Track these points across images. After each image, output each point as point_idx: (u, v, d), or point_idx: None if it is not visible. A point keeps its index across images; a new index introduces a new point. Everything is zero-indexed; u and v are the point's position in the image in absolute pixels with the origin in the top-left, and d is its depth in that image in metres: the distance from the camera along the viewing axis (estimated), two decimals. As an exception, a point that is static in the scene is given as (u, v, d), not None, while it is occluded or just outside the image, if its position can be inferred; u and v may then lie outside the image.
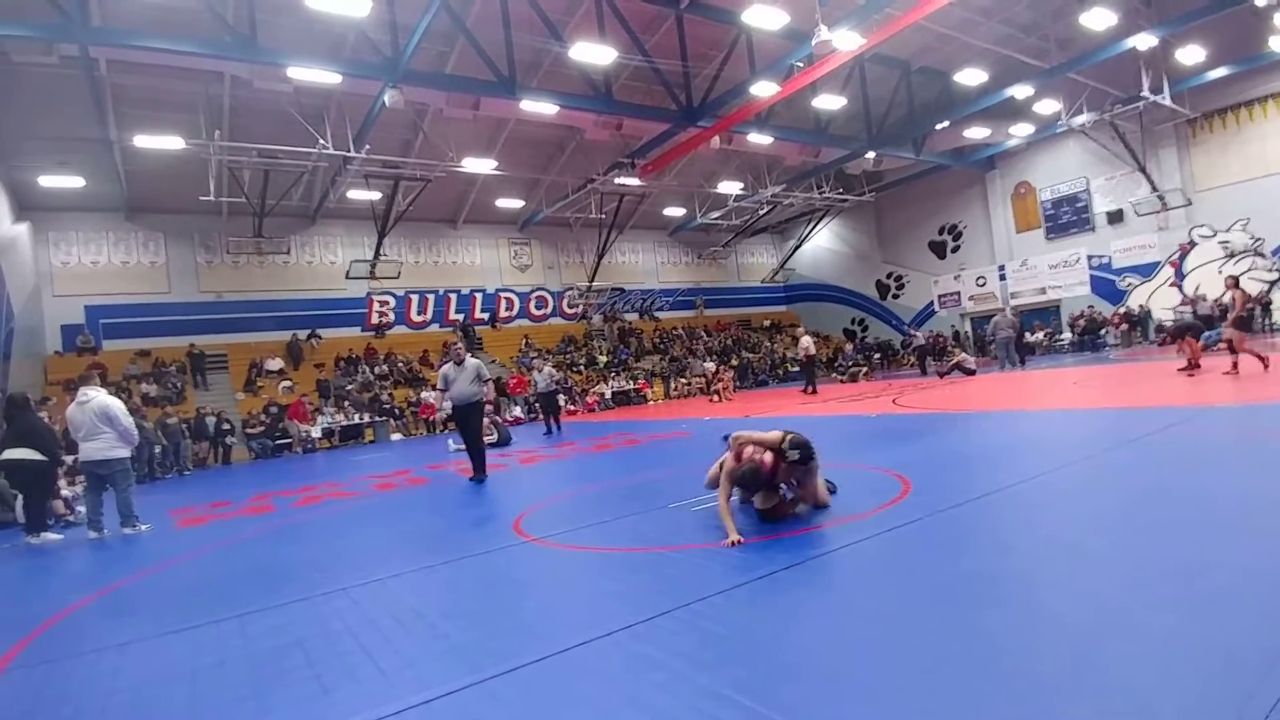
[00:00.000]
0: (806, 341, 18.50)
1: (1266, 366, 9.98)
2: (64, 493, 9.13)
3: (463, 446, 8.69)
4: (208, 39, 12.92)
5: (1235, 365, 10.31)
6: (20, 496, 8.36)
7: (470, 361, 8.34)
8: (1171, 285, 21.99)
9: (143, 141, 15.89)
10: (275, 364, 21.22)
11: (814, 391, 17.59)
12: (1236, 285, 11.06)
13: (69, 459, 9.46)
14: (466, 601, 3.69)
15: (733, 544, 3.98)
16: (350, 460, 14.23)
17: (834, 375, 24.13)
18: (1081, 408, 9.22)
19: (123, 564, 5.94)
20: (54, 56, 13.67)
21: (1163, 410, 7.60)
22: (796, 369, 24.85)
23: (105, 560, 6.26)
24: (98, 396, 7.31)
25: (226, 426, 17.32)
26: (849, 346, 27.18)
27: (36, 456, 7.45)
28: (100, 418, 7.15)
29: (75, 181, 17.75)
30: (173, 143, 15.87)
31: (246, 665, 3.10)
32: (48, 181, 17.68)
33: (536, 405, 18.68)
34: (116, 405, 7.35)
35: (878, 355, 27.84)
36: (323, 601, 3.95)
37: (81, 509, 8.06)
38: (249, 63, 13.66)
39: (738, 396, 20.09)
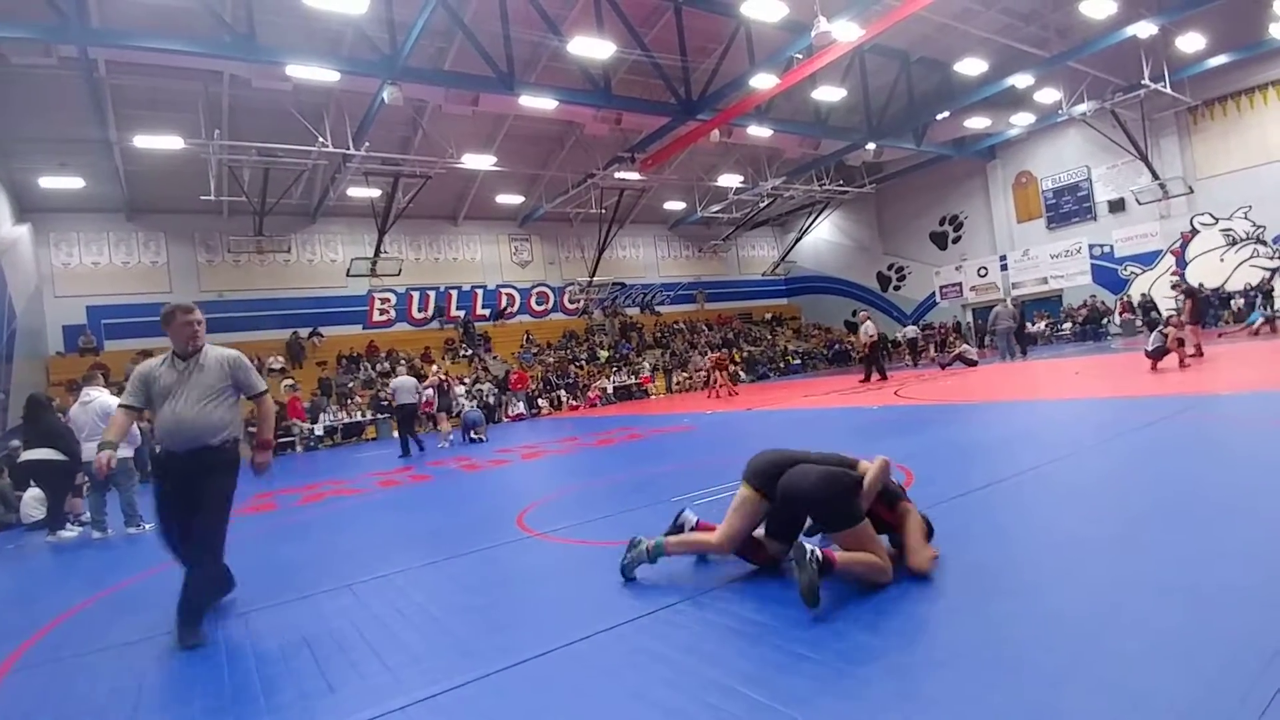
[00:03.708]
0: (870, 327, 16.61)
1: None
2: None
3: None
4: (206, 38, 12.92)
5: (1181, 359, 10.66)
6: (22, 496, 8.39)
7: (218, 354, 3.90)
8: (1173, 274, 21.93)
9: (142, 141, 15.89)
10: (277, 362, 21.25)
11: (884, 378, 16.18)
12: (1187, 293, 11.93)
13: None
14: (471, 597, 3.69)
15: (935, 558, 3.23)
16: (353, 458, 14.26)
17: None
18: (1082, 398, 9.20)
19: (127, 563, 5.95)
20: (53, 58, 13.66)
21: (1163, 400, 7.59)
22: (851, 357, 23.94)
23: (110, 560, 6.27)
24: (100, 397, 7.33)
25: (229, 425, 17.31)
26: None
27: (59, 456, 7.50)
28: (102, 418, 7.16)
29: (75, 182, 17.78)
30: (172, 142, 15.86)
31: (252, 663, 3.10)
32: (48, 183, 17.70)
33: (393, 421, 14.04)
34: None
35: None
36: (327, 599, 3.97)
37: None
38: (248, 62, 13.63)
39: (742, 390, 19.98)
